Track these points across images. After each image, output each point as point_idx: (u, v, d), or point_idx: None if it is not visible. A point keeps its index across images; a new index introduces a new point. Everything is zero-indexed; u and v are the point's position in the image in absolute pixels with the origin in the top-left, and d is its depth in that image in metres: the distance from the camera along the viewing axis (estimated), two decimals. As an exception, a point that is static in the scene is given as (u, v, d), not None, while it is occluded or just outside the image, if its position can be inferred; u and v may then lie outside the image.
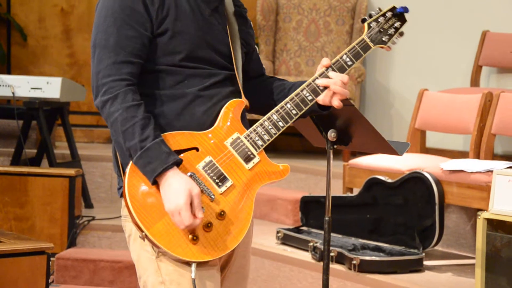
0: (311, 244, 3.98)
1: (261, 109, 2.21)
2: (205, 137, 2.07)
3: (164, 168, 1.98)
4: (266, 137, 2.09)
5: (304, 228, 4.35)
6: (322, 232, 2.42)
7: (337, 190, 4.55)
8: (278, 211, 4.87)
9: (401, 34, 2.21)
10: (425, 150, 4.65)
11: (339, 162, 5.01)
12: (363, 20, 2.18)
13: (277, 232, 4.32)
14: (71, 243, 4.51)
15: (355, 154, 5.22)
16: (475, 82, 5.31)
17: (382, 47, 2.19)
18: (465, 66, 5.42)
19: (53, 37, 6.28)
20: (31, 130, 5.27)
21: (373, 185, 4.09)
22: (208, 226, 2.00)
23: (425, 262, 3.85)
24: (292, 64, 5.89)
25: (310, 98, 2.13)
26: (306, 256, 4.02)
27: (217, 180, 2.05)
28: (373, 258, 3.75)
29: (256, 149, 2.08)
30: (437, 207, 3.85)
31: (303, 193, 4.63)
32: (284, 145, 5.93)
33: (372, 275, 3.69)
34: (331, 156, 2.31)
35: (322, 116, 2.23)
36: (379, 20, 2.19)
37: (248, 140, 2.08)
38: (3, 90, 4.89)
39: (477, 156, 4.21)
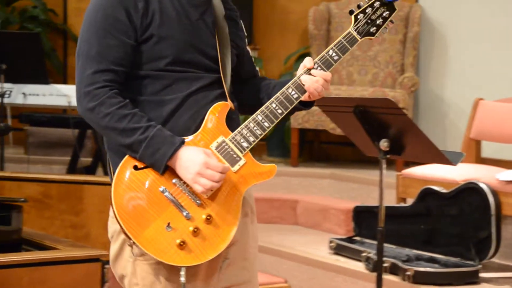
0: (364, 254, 3.95)
1: (252, 109, 2.18)
2: (191, 142, 2.07)
3: (175, 149, 2.01)
4: (251, 138, 2.08)
5: (357, 238, 4.32)
6: (375, 242, 2.40)
7: (390, 200, 4.51)
8: (331, 220, 4.84)
9: (392, 22, 2.16)
10: (481, 160, 4.58)
11: (392, 172, 4.96)
12: (351, 12, 2.15)
13: (330, 242, 4.30)
14: (125, 251, 4.55)
15: (408, 164, 5.16)
16: (532, 91, 5.22)
17: (370, 39, 2.15)
18: (521, 75, 5.33)
19: (108, 48, 6.37)
20: (86, 139, 5.35)
21: (427, 195, 4.04)
22: (195, 231, 2.01)
23: (481, 274, 3.79)
24: (345, 73, 5.86)
25: (295, 96, 2.11)
26: (359, 266, 3.99)
27: None
28: (428, 269, 3.70)
29: (241, 151, 2.07)
30: (493, 218, 3.78)
31: (356, 203, 4.59)
32: (337, 155, 5.90)
33: (427, 286, 3.64)
34: (384, 165, 2.29)
35: (374, 125, 2.21)
36: (366, 11, 2.15)
37: (233, 143, 2.07)
38: (59, 100, 4.97)
39: (535, 166, 4.13)
